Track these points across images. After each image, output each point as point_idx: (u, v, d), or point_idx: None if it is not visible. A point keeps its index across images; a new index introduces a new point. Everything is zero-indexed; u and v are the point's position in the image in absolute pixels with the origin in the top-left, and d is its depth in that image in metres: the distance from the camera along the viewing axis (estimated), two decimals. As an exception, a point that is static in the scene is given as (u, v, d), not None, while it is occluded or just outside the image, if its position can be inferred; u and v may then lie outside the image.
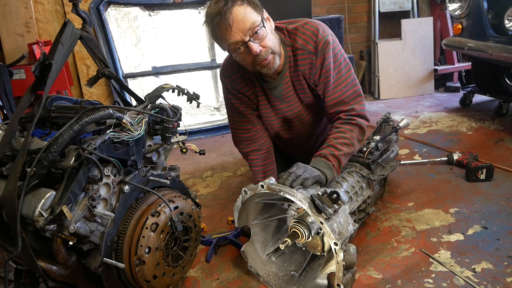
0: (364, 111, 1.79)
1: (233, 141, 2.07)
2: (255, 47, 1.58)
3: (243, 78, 1.84)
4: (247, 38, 1.56)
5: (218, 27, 1.55)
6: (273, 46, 1.65)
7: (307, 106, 1.89)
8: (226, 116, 3.64)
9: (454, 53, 4.48)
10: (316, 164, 1.61)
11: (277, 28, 1.75)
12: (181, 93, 1.62)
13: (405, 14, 4.55)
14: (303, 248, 1.64)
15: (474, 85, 3.99)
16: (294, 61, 1.76)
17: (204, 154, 1.72)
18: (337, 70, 1.74)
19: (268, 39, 1.62)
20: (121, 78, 3.27)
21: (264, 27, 1.59)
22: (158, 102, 1.53)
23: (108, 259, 1.27)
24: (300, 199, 1.33)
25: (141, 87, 3.47)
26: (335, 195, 1.37)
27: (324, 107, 1.84)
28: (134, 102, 1.70)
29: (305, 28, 1.73)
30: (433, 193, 2.27)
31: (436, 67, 4.46)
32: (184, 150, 1.61)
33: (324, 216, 1.29)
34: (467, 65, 4.44)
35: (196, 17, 3.49)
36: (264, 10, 1.65)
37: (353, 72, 1.80)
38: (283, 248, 1.44)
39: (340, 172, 1.68)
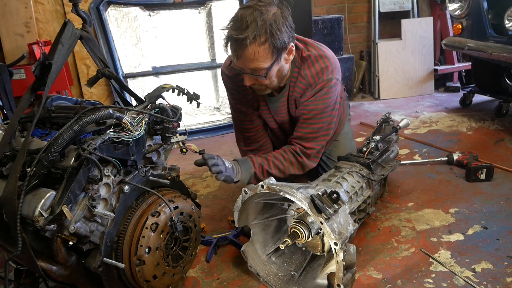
0: (316, 157, 1.87)
1: (236, 139, 2.09)
2: (248, 81, 1.62)
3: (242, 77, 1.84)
4: (247, 71, 1.58)
5: (230, 47, 1.56)
6: (268, 84, 1.65)
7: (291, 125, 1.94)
8: (226, 116, 3.66)
9: (454, 53, 4.48)
10: (243, 164, 1.74)
11: (297, 42, 1.73)
12: (181, 93, 1.62)
13: (405, 14, 4.55)
14: (303, 248, 1.64)
15: (474, 85, 3.99)
16: (294, 85, 1.76)
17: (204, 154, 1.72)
18: (321, 110, 1.74)
19: (267, 80, 1.61)
20: (121, 78, 3.27)
21: (266, 74, 1.58)
22: (158, 102, 1.53)
23: (108, 259, 1.27)
24: (300, 199, 1.33)
25: (141, 87, 3.46)
26: (335, 195, 1.37)
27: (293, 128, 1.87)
28: (134, 102, 1.70)
29: (317, 62, 1.71)
30: (433, 193, 2.27)
31: (436, 67, 4.46)
32: (184, 150, 1.61)
33: (324, 216, 1.29)
34: (467, 65, 4.45)
35: (196, 17, 3.49)
36: (291, 44, 1.61)
37: (334, 121, 1.85)
38: (283, 248, 1.44)
39: (255, 181, 1.75)
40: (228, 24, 1.54)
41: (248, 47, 1.48)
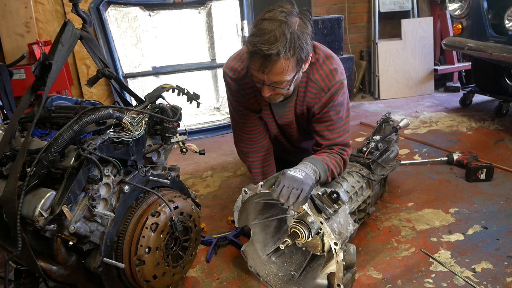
0: (349, 155, 1.81)
1: (234, 140, 2.07)
2: (268, 92, 1.58)
3: (250, 85, 1.79)
4: (267, 83, 1.55)
5: (254, 60, 1.49)
6: (285, 93, 1.63)
7: (305, 125, 1.91)
8: (226, 116, 3.66)
9: (454, 53, 4.48)
10: (315, 163, 1.57)
11: None
12: (181, 93, 1.62)
13: (405, 14, 4.55)
14: (303, 248, 1.64)
15: (474, 85, 3.99)
16: (304, 91, 1.73)
17: (204, 154, 1.72)
18: (340, 114, 1.74)
19: (286, 90, 1.59)
20: (121, 78, 3.27)
21: (290, 86, 1.57)
22: (158, 102, 1.53)
23: (108, 259, 1.27)
24: (300, 199, 1.33)
25: (141, 87, 3.46)
26: (335, 195, 1.37)
27: (315, 138, 1.84)
28: (134, 102, 1.70)
29: (325, 64, 1.69)
30: (433, 193, 2.27)
31: (436, 67, 4.46)
32: (184, 150, 1.61)
33: (324, 216, 1.29)
34: (467, 65, 4.44)
35: (196, 17, 3.49)
36: (310, 53, 1.58)
37: (349, 120, 1.82)
38: (283, 248, 1.45)
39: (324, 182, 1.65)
40: (253, 37, 1.45)
41: (278, 62, 1.44)
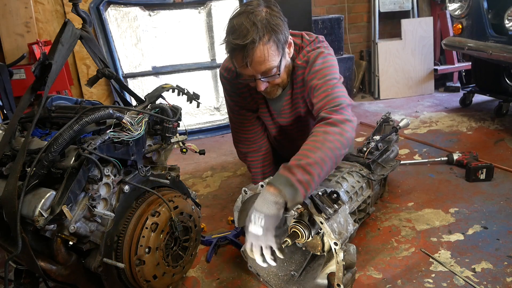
0: (347, 109, 1.48)
1: (233, 141, 2.07)
2: (263, 85, 1.58)
3: (244, 84, 1.79)
4: (258, 76, 1.55)
5: (236, 57, 1.50)
6: (280, 82, 1.63)
7: (305, 120, 1.87)
8: (226, 116, 3.65)
9: (454, 53, 4.48)
10: (276, 181, 1.27)
11: (293, 37, 1.70)
12: (181, 93, 1.62)
13: (405, 14, 4.55)
14: (303, 248, 1.64)
15: (474, 85, 3.99)
16: (296, 77, 1.71)
17: (204, 154, 1.72)
18: (327, 73, 1.58)
19: (279, 78, 1.59)
20: (121, 78, 3.27)
21: (280, 71, 1.55)
22: (158, 102, 1.53)
23: (108, 259, 1.27)
24: (300, 199, 1.33)
25: (141, 87, 3.46)
26: (335, 195, 1.37)
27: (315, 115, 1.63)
28: (134, 102, 1.70)
29: (304, 43, 1.68)
30: (433, 193, 2.27)
31: (436, 67, 4.46)
32: (184, 150, 1.61)
33: (324, 216, 1.29)
34: (467, 65, 4.44)
35: (196, 17, 3.49)
36: (290, 37, 1.58)
37: (341, 82, 1.62)
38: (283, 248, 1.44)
39: (312, 186, 1.28)
40: (227, 37, 1.49)
41: (256, 50, 1.45)
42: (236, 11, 1.52)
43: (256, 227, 1.25)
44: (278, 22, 1.50)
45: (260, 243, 1.26)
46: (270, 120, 1.91)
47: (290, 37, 1.60)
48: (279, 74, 1.57)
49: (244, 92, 1.82)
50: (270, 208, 1.22)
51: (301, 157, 1.30)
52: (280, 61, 1.55)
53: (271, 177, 1.46)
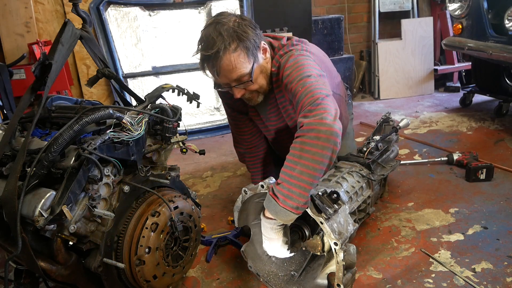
0: (328, 103, 1.33)
1: (233, 142, 2.08)
2: (238, 93, 1.59)
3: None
4: (233, 84, 1.56)
5: (207, 68, 1.54)
6: (258, 88, 1.62)
7: (295, 120, 1.77)
8: (226, 116, 3.65)
9: (454, 53, 4.48)
10: (268, 207, 1.31)
11: (271, 40, 1.70)
12: (181, 93, 1.62)
13: (405, 14, 4.55)
14: (303, 248, 1.64)
15: (474, 85, 3.99)
16: (276, 79, 1.65)
17: (204, 154, 1.72)
18: (297, 76, 1.47)
19: (255, 83, 1.58)
20: (121, 78, 3.27)
21: (252, 78, 1.54)
22: (158, 102, 1.53)
23: (108, 259, 1.27)
24: (300, 199, 1.33)
25: (141, 87, 3.46)
26: (335, 195, 1.37)
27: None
28: (134, 102, 1.70)
29: (278, 47, 1.66)
30: (433, 193, 2.27)
31: (436, 67, 4.46)
32: (184, 150, 1.61)
33: (324, 216, 1.29)
34: (467, 65, 4.44)
35: (196, 17, 3.49)
36: (262, 42, 1.56)
37: (317, 76, 1.47)
38: (283, 248, 1.44)
39: (302, 198, 1.26)
40: (197, 49, 1.53)
41: (223, 59, 1.47)
42: (207, 22, 1.55)
43: (265, 245, 1.41)
44: (245, 29, 1.50)
45: (274, 253, 1.41)
46: (261, 123, 1.91)
47: (263, 42, 1.59)
48: (251, 81, 1.56)
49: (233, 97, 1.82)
50: (270, 233, 1.35)
51: (284, 175, 1.28)
52: (252, 67, 1.54)
53: (272, 177, 1.46)
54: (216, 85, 1.65)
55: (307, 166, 1.24)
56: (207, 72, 1.57)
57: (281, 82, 1.60)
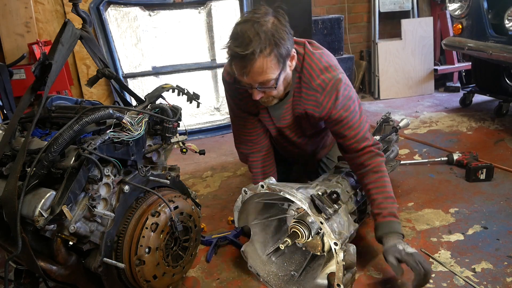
0: (376, 146, 1.76)
1: (235, 143, 2.07)
2: (258, 95, 1.57)
3: (245, 88, 1.74)
4: (255, 85, 1.54)
5: (235, 65, 1.50)
6: (276, 95, 1.62)
7: (305, 126, 1.85)
8: (226, 116, 3.66)
9: (454, 53, 4.48)
10: (394, 227, 1.62)
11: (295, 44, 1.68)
12: (181, 93, 1.62)
13: (405, 14, 4.55)
14: (303, 248, 1.64)
15: (474, 85, 3.99)
16: (299, 91, 1.69)
17: (204, 154, 1.72)
18: (349, 108, 1.66)
19: (276, 90, 1.57)
20: (121, 78, 3.27)
21: (276, 84, 1.54)
22: (158, 102, 1.53)
23: (108, 259, 1.27)
24: (300, 199, 1.33)
25: (141, 87, 3.46)
26: (335, 195, 1.37)
27: (337, 140, 1.81)
28: (134, 102, 1.70)
29: (314, 63, 1.64)
30: (433, 193, 2.27)
31: (436, 67, 4.46)
32: (184, 150, 1.61)
33: (324, 216, 1.29)
34: (467, 65, 4.44)
35: (196, 17, 3.49)
36: (293, 50, 1.57)
37: (362, 111, 1.77)
38: (283, 248, 1.44)
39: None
40: (229, 42, 1.48)
41: (256, 61, 1.43)
42: (243, 17, 1.50)
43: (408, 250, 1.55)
44: (282, 35, 1.47)
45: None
46: (271, 124, 1.90)
47: (293, 50, 1.58)
48: (275, 87, 1.55)
49: (246, 96, 1.81)
50: (408, 247, 1.54)
51: (388, 205, 1.69)
52: (279, 74, 1.53)
53: (272, 177, 1.45)
54: (236, 82, 1.63)
55: (390, 188, 1.73)
56: (233, 68, 1.52)
57: (321, 101, 1.65)
